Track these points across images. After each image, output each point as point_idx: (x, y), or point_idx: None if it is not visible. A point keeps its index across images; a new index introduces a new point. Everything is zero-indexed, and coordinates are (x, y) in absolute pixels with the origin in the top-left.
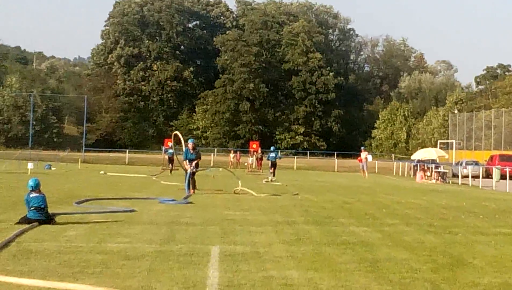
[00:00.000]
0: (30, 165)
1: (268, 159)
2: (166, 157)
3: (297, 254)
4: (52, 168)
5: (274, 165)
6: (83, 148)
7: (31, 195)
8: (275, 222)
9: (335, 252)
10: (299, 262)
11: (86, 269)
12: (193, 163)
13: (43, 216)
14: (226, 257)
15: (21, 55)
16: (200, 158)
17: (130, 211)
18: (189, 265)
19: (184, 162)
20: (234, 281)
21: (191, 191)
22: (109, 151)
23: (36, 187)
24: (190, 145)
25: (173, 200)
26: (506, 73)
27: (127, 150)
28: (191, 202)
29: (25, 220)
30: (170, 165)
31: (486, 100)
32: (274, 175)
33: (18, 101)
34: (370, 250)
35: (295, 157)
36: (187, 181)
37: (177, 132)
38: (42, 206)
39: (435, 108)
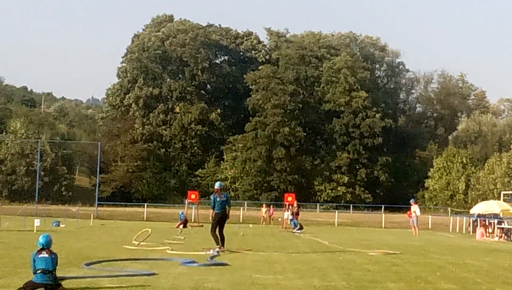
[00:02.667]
0: (36, 222)
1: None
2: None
3: None
4: (61, 225)
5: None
6: (96, 202)
7: (39, 256)
8: (312, 287)
9: None
10: None
11: None
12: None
13: (50, 280)
14: None
15: (27, 96)
16: (229, 204)
17: (150, 274)
18: None
19: (212, 211)
20: None
21: (221, 248)
22: (125, 205)
23: (47, 245)
24: (217, 187)
25: (194, 262)
26: None
27: (146, 204)
28: (226, 263)
29: (30, 285)
30: (182, 226)
31: None
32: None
33: (24, 148)
34: None
35: (337, 211)
36: (213, 236)
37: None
38: (50, 269)
39: (498, 154)
